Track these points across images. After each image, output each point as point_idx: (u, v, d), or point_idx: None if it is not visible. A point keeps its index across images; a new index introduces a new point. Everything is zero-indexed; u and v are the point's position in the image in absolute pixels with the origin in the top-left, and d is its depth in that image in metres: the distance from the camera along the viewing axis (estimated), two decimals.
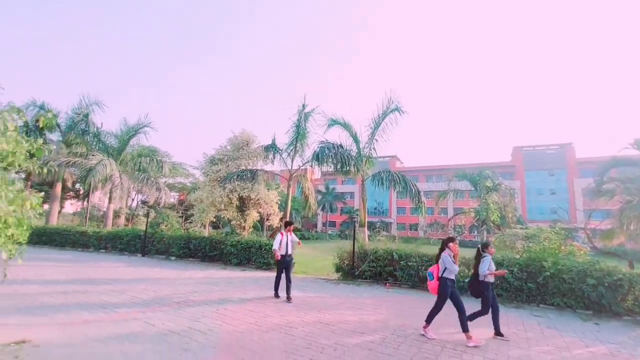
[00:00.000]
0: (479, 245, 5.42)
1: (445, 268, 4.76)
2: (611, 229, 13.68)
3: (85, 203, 26.64)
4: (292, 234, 7.65)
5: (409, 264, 8.87)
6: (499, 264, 7.83)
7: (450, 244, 4.89)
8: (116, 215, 26.77)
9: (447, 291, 4.71)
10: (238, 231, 14.23)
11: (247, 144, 14.71)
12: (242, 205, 14.21)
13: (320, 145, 11.74)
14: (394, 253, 9.19)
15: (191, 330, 4.73)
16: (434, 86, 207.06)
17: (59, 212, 36.38)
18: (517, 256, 8.02)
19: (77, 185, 34.11)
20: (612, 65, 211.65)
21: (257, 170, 14.07)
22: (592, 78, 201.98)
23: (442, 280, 4.77)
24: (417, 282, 8.68)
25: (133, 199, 36.94)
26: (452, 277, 4.76)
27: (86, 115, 18.89)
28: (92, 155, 17.29)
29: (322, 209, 52.85)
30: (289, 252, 7.23)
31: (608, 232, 13.84)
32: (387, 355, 4.03)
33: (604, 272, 6.70)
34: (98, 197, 35.79)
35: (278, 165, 15.11)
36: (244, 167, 14.09)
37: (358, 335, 4.78)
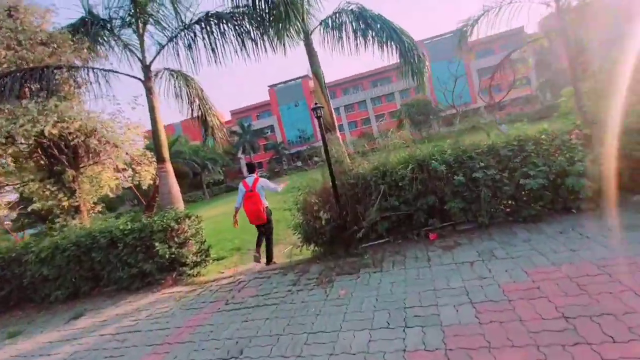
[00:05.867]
0: None
1: None
2: None
3: None
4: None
5: (475, 176, 3.76)
6: None
7: None
8: None
9: None
10: (61, 219, 6.07)
11: (10, 15, 6.06)
12: (52, 161, 6.27)
13: None
14: (433, 163, 3.91)
15: None
16: None
17: None
18: None
19: None
20: None
21: (54, 67, 5.86)
22: None
23: None
24: (500, 212, 3.80)
25: None
26: None
27: None
28: None
29: (243, 152, 45.24)
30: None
31: None
32: None
33: None
34: None
35: (117, 59, 6.84)
36: (15, 66, 5.77)
37: None
